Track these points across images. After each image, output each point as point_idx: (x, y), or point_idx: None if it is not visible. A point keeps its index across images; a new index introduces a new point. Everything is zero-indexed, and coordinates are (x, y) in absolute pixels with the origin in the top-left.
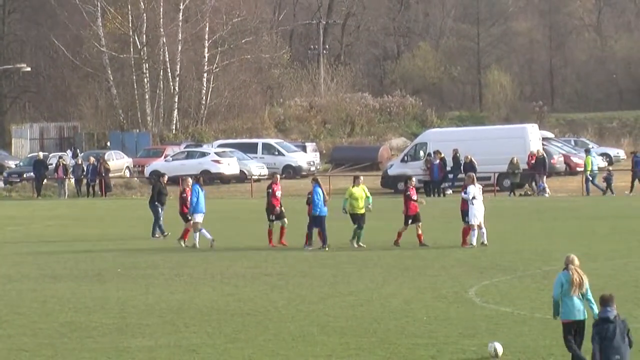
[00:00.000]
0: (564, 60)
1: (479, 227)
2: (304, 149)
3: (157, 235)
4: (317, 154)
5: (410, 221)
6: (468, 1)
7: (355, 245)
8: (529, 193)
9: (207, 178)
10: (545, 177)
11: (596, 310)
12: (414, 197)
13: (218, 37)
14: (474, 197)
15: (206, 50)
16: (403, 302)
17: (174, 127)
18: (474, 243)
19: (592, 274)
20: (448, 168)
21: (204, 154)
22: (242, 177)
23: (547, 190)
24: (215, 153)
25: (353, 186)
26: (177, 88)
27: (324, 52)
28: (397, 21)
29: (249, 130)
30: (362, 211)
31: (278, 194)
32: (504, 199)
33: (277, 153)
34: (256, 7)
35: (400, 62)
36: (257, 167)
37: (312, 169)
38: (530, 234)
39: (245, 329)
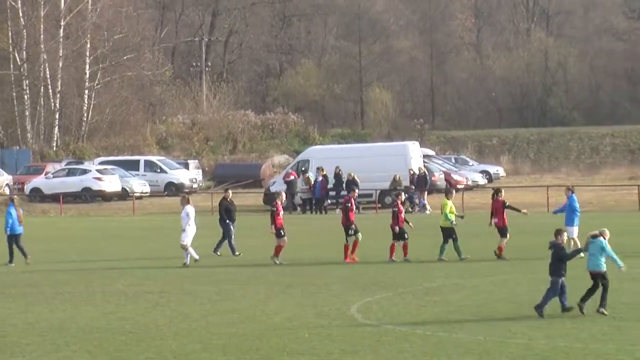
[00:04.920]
0: (444, 78)
1: (185, 248)
2: (186, 166)
3: (218, 253)
4: (200, 171)
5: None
6: (349, 19)
7: (464, 257)
8: (410, 210)
9: (89, 195)
10: (426, 193)
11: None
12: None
13: (99, 53)
14: (188, 217)
15: (87, 66)
16: (285, 319)
17: (54, 144)
18: (187, 262)
19: (472, 290)
20: (330, 185)
21: (85, 171)
22: (124, 195)
23: (428, 207)
24: (97, 170)
25: (449, 198)
26: (58, 105)
27: (207, 69)
28: (279, 38)
29: (130, 147)
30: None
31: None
32: (387, 216)
33: (159, 170)
34: (138, 23)
35: (283, 79)
36: (139, 184)
37: (195, 186)
38: (413, 250)
39: (127, 347)
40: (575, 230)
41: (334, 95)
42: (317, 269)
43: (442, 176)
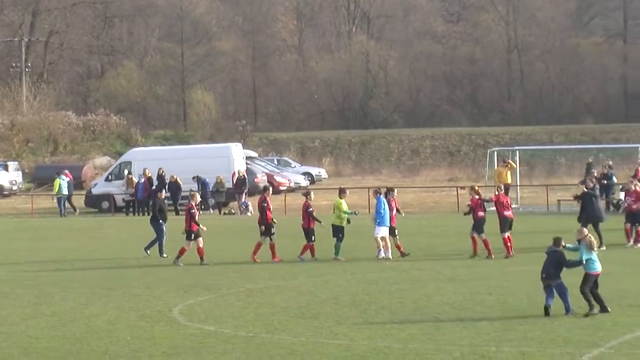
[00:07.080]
0: (267, 80)
1: None
2: (5, 168)
3: (165, 255)
4: (20, 173)
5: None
6: (172, 20)
7: (341, 259)
8: (233, 212)
9: None
10: (245, 195)
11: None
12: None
13: None
14: None
15: None
16: (107, 322)
17: None
18: None
19: (295, 292)
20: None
21: None
22: None
23: (250, 208)
24: None
25: (342, 198)
26: None
27: (27, 69)
28: (100, 39)
29: None
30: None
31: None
32: (210, 218)
33: None
34: None
35: (104, 80)
36: None
37: (14, 188)
38: (235, 253)
39: None
40: (384, 230)
41: (156, 96)
42: (139, 271)
43: (265, 178)
